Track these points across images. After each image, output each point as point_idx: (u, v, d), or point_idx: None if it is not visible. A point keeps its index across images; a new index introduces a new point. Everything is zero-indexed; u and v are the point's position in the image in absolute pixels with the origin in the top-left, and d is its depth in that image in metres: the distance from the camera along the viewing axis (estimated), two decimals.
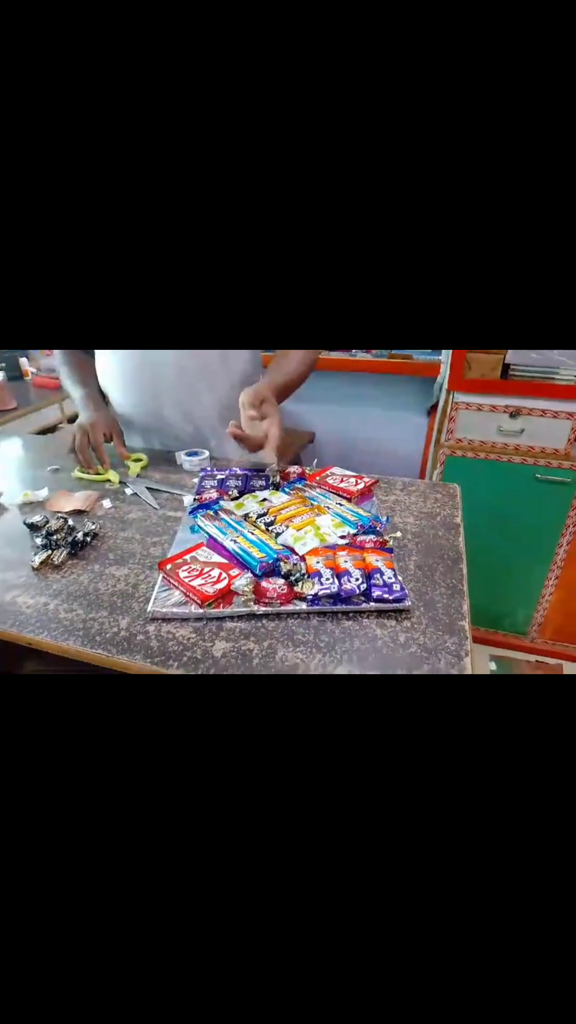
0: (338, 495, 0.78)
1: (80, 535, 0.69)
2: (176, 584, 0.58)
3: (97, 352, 0.97)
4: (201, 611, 0.55)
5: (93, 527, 0.71)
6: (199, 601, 0.55)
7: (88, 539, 0.69)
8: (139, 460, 0.91)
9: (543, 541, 1.51)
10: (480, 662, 1.66)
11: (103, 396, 0.99)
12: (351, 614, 0.56)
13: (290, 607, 0.56)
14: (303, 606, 0.56)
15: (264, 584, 0.57)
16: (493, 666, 1.66)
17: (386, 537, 0.67)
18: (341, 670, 0.50)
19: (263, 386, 0.81)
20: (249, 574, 0.59)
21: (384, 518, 0.71)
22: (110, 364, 0.94)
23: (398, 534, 0.67)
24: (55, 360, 1.05)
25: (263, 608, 0.56)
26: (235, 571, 0.59)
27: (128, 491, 0.82)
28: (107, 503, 0.79)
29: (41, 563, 0.64)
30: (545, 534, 1.50)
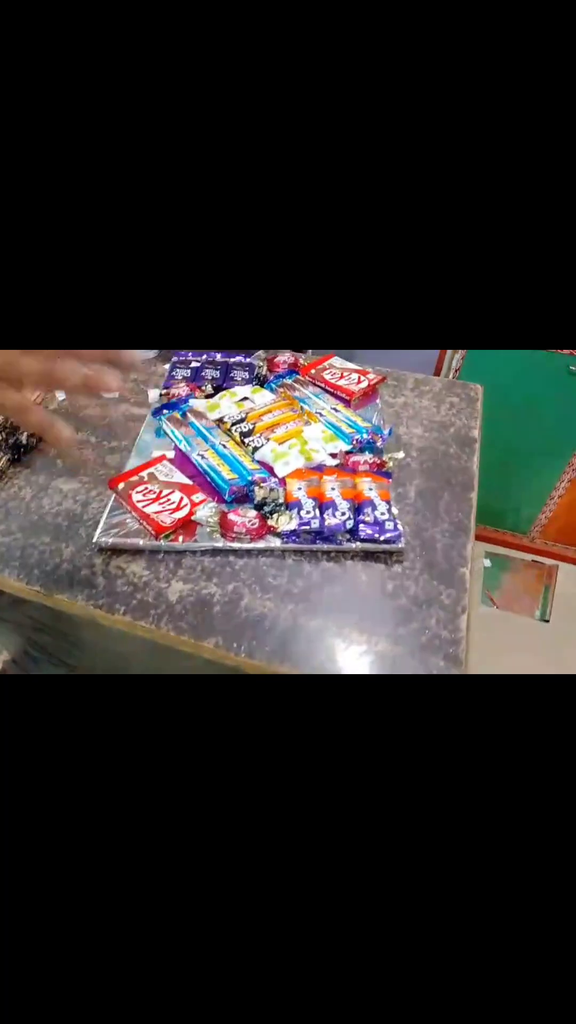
0: (335, 395, 0.65)
1: (24, 436, 0.58)
2: (130, 508, 0.49)
3: None
4: (157, 543, 0.47)
5: None
6: (153, 532, 0.47)
7: (34, 442, 0.59)
8: None
9: (564, 439, 1.38)
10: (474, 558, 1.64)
11: None
12: (333, 554, 0.48)
13: (262, 544, 0.47)
14: (277, 543, 0.48)
15: (232, 516, 0.48)
16: (487, 563, 1.65)
17: (386, 457, 0.56)
18: (314, 624, 0.43)
19: None
20: (214, 503, 0.49)
21: (386, 430, 0.59)
22: None
23: (400, 454, 0.56)
24: None
25: (230, 543, 0.47)
26: (199, 496, 0.50)
27: None
28: (60, 395, 0.66)
29: None
30: (567, 432, 1.37)
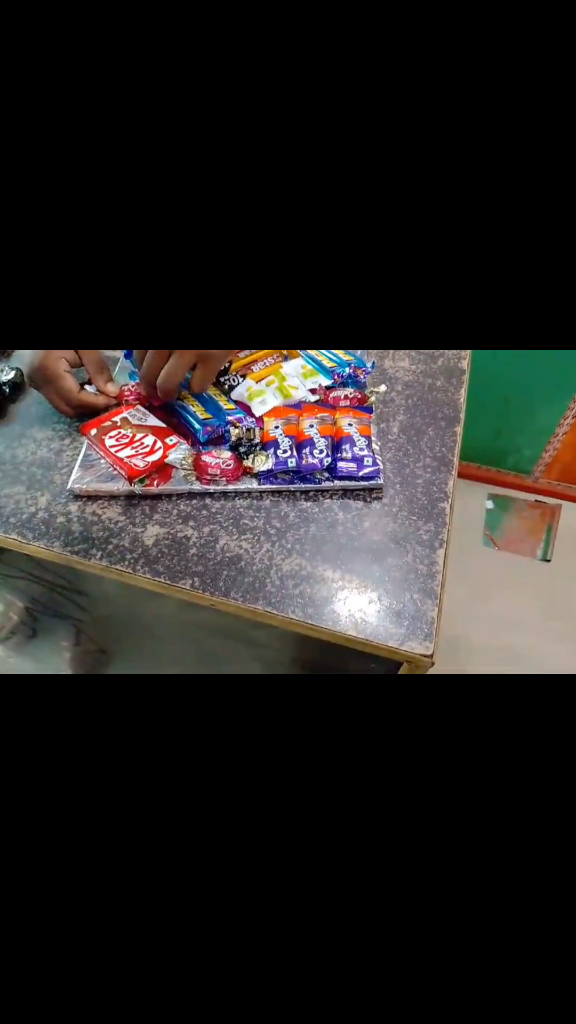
0: None
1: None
2: (102, 454, 0.48)
3: None
4: (131, 488, 0.46)
5: (12, 374, 0.58)
6: (127, 477, 0.46)
7: (6, 390, 0.57)
8: None
9: (566, 377, 1.33)
10: (477, 500, 1.62)
11: None
12: (312, 493, 0.47)
13: (238, 485, 0.46)
14: (254, 484, 0.47)
15: (205, 458, 0.47)
16: (490, 504, 1.63)
17: (368, 392, 0.53)
18: (289, 563, 0.43)
19: None
20: (186, 446, 0.48)
21: (370, 363, 0.56)
22: None
23: (382, 388, 0.54)
24: None
25: (206, 486, 0.46)
26: (172, 439, 0.48)
27: None
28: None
29: None
30: (569, 370, 1.31)
